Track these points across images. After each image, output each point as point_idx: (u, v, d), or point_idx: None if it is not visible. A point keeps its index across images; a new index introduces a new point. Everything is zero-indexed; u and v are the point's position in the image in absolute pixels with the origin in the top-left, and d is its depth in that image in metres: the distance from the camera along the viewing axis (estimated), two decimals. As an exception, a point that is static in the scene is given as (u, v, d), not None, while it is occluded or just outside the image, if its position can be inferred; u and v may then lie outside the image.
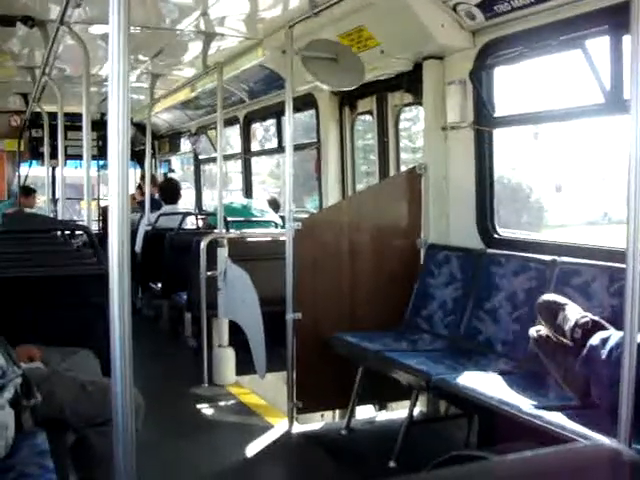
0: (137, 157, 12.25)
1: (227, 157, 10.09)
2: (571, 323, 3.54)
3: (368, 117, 7.01)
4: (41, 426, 2.89)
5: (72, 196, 11.35)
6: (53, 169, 10.80)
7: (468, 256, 5.09)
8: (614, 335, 3.32)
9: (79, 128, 6.38)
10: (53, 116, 8.28)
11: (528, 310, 4.28)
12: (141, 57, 7.69)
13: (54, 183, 11.45)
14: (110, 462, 2.05)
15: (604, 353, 3.27)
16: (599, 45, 4.15)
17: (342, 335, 5.03)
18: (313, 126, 7.65)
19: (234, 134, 10.34)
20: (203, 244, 6.25)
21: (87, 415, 3.09)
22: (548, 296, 3.83)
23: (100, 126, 10.01)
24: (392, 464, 4.34)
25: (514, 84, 5.42)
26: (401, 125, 6.67)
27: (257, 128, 10.32)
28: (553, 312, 3.67)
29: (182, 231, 8.36)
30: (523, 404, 3.52)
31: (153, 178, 11.20)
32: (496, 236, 5.17)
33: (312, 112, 7.56)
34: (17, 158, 11.63)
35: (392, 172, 6.53)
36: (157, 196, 10.20)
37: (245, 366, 6.04)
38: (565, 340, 3.56)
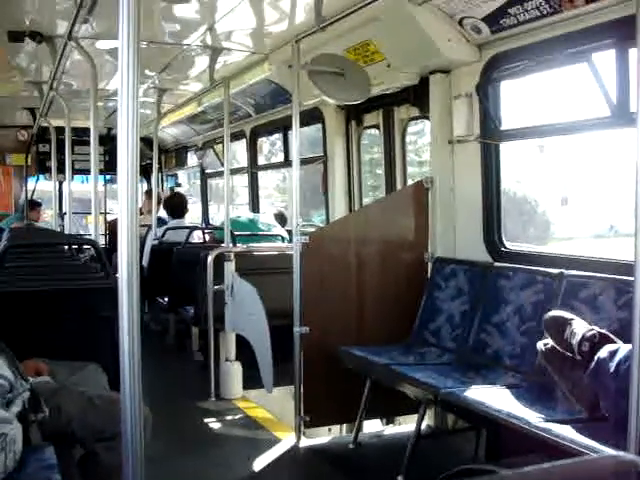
0: (144, 171, 12.28)
1: (234, 171, 10.11)
2: (578, 337, 3.53)
3: (374, 131, 7.02)
4: (49, 440, 2.89)
5: (79, 210, 11.40)
6: (60, 183, 10.84)
7: (475, 269, 5.09)
8: (622, 348, 3.31)
9: (86, 142, 6.42)
10: (60, 131, 8.32)
11: (536, 323, 4.27)
12: (148, 72, 7.72)
13: (61, 197, 11.49)
14: (118, 476, 2.05)
15: (612, 366, 3.26)
16: (605, 58, 4.16)
17: (349, 349, 5.02)
18: (319, 140, 7.67)
19: (240, 148, 10.36)
20: (210, 258, 6.26)
21: (95, 429, 3.09)
22: (555, 312, 3.82)
23: (107, 140, 10.12)
24: (400, 478, 4.33)
25: (520, 97, 5.42)
26: (408, 139, 6.68)
27: (264, 142, 10.34)
28: (560, 327, 3.66)
29: (189, 245, 8.37)
30: (531, 417, 3.51)
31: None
32: (503, 249, 5.16)
33: (318, 126, 7.58)
34: (24, 172, 11.68)
35: (399, 186, 6.53)
36: (160, 213, 10.13)
37: (252, 380, 6.04)
38: (573, 354, 3.55)
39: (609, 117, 4.17)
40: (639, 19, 2.76)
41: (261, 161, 10.22)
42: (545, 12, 4.29)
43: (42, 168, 11.81)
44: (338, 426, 5.68)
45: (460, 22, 4.85)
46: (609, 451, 3.01)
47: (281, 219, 8.79)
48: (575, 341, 3.52)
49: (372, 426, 5.57)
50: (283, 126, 8.51)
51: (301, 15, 5.58)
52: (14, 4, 5.45)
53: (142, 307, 8.73)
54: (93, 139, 5.69)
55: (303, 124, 5.88)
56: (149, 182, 12.25)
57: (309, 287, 5.18)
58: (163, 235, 8.96)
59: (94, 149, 5.70)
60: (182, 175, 13.90)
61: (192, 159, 12.50)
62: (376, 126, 6.84)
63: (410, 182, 6.44)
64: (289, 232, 7.57)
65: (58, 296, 4.09)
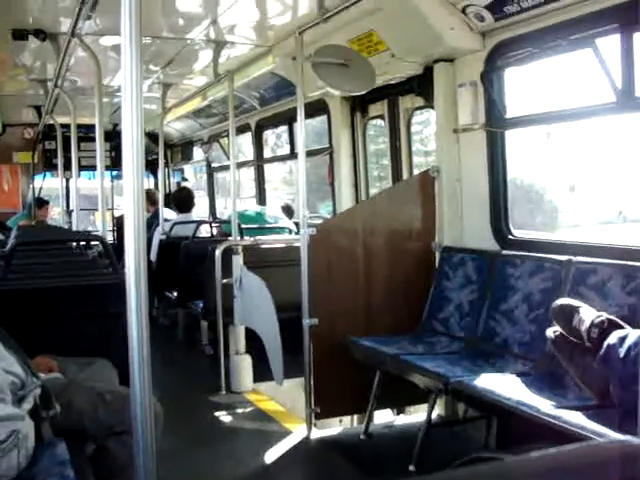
0: (150, 167, 12.29)
1: (240, 164, 10.11)
2: (587, 323, 3.52)
3: (380, 121, 7.01)
4: (61, 436, 2.90)
5: (86, 207, 11.42)
6: (67, 180, 10.86)
7: (483, 258, 5.08)
8: (632, 334, 3.31)
9: (92, 139, 6.42)
10: (66, 128, 8.34)
11: (544, 311, 4.26)
12: (152, 67, 7.72)
13: (68, 194, 11.51)
14: (130, 471, 2.06)
15: (622, 352, 3.26)
16: (610, 43, 4.14)
17: (359, 339, 5.03)
18: (325, 132, 7.66)
19: (246, 141, 10.36)
20: (218, 252, 6.27)
21: (106, 424, 3.10)
22: (562, 300, 3.82)
23: (113, 136, 10.13)
24: (412, 468, 4.33)
25: (525, 85, 5.40)
26: (413, 128, 6.66)
27: (269, 135, 10.33)
28: (568, 315, 3.65)
29: (197, 239, 8.38)
30: (541, 405, 3.51)
31: (150, 194, 10.84)
32: (511, 237, 5.15)
33: (324, 118, 7.57)
34: (31, 170, 11.69)
35: (405, 175, 6.52)
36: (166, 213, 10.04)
37: (262, 373, 6.04)
38: (582, 341, 3.55)
39: (615, 103, 4.15)
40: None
41: (267, 154, 10.21)
42: (548, -2, 4.27)
43: (49, 165, 11.83)
44: (349, 417, 5.69)
45: (463, 10, 4.83)
46: (619, 437, 3.00)
47: (288, 211, 8.80)
48: (584, 328, 3.51)
49: (383, 416, 5.57)
50: (288, 118, 8.50)
51: (304, 7, 5.57)
52: (18, 2, 5.47)
53: (151, 302, 8.77)
54: (99, 135, 5.69)
55: (308, 116, 5.88)
56: (155, 177, 12.25)
57: (317, 279, 5.18)
58: (171, 229, 8.98)
59: (100, 145, 5.71)
60: (188, 169, 13.90)
61: (198, 153, 12.51)
62: (381, 116, 6.83)
63: (416, 172, 6.42)
64: (296, 224, 7.57)
65: (67, 293, 4.11)
